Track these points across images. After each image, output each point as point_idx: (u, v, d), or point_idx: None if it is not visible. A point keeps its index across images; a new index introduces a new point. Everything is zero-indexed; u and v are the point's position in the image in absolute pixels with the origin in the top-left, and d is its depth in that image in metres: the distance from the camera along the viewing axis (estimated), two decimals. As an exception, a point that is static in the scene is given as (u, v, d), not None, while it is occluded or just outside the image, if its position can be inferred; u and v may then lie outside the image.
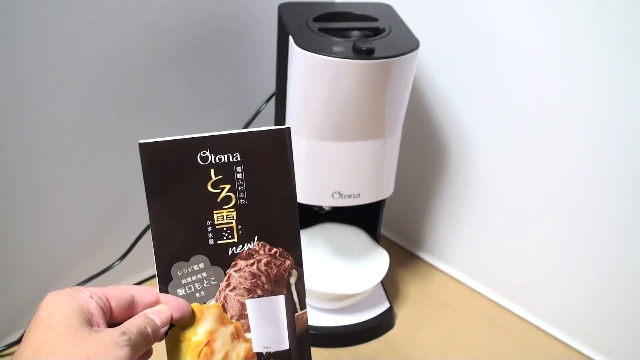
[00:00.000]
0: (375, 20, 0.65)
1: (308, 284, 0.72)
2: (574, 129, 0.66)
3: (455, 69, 0.75)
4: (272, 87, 0.71)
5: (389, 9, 0.69)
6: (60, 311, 0.38)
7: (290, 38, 0.59)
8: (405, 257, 0.93)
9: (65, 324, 0.37)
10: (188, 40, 0.70)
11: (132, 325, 0.40)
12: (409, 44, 0.60)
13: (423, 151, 0.84)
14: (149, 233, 0.73)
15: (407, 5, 0.72)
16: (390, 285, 0.85)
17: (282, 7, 0.65)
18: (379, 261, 0.77)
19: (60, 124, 0.63)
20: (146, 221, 0.72)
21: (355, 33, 0.62)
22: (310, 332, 0.75)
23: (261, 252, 0.44)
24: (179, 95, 0.73)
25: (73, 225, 0.70)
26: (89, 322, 0.39)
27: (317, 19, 0.63)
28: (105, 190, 0.71)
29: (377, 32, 0.62)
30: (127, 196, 0.73)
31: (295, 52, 0.58)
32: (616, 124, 0.63)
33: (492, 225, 0.80)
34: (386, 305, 0.79)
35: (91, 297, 0.40)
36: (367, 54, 0.56)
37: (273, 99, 0.71)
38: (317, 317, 0.76)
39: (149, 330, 0.41)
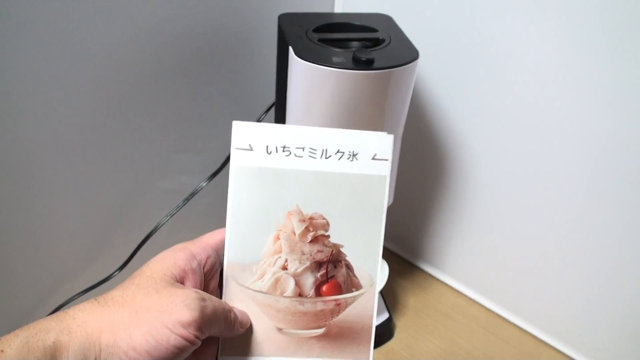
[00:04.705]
0: (375, 31, 0.65)
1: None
2: (575, 140, 0.67)
3: (455, 79, 0.75)
4: (271, 97, 0.71)
5: (388, 19, 0.69)
6: (153, 267, 0.37)
7: (290, 48, 0.59)
8: (404, 267, 0.92)
9: (148, 277, 0.36)
10: (188, 49, 0.71)
11: (217, 300, 0.37)
12: (409, 55, 0.60)
13: (422, 161, 0.84)
14: (147, 243, 0.73)
15: (407, 16, 0.73)
16: (389, 296, 0.85)
17: (282, 18, 0.66)
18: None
19: (60, 132, 0.63)
20: (146, 230, 0.73)
21: (355, 44, 0.63)
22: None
23: None
24: (178, 105, 0.73)
25: (72, 235, 0.70)
26: (177, 280, 0.36)
27: (317, 30, 0.64)
28: (104, 200, 0.71)
29: (376, 42, 0.63)
30: (126, 205, 0.73)
31: (295, 63, 0.58)
32: (617, 135, 0.63)
33: (491, 236, 0.80)
34: (385, 315, 0.79)
35: (194, 257, 0.38)
36: (367, 65, 0.56)
37: (273, 109, 0.72)
38: (316, 327, 0.76)
39: (231, 316, 0.38)
